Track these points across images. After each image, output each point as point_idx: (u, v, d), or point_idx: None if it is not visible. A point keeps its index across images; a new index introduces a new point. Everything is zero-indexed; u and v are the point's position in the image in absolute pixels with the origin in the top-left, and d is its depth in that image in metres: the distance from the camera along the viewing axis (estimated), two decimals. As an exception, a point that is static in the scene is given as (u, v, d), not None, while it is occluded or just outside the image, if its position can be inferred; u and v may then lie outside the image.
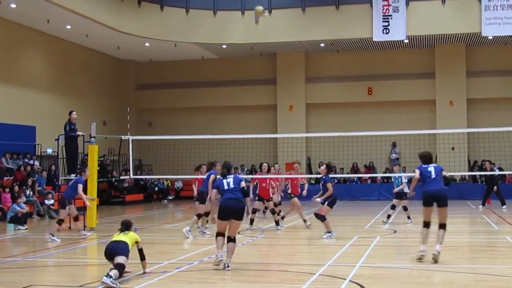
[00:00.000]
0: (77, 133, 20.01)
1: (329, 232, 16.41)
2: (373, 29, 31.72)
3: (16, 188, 23.51)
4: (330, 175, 16.90)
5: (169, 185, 36.54)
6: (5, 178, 25.25)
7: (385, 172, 33.71)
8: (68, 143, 20.09)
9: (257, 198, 19.24)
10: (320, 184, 16.79)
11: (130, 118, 31.89)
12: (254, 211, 18.71)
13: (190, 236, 16.66)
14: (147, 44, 34.09)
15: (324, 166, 17.22)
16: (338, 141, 29.96)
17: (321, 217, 16.55)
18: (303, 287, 9.95)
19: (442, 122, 34.38)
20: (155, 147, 31.29)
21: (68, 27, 30.17)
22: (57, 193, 23.10)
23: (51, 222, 22.30)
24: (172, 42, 33.50)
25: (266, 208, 21.13)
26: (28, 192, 24.32)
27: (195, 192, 18.60)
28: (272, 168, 20.37)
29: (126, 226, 11.27)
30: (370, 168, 35.46)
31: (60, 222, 17.15)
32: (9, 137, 27.62)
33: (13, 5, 26.55)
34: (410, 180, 18.30)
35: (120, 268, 10.42)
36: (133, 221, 11.58)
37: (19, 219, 20.29)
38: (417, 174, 12.78)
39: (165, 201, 35.08)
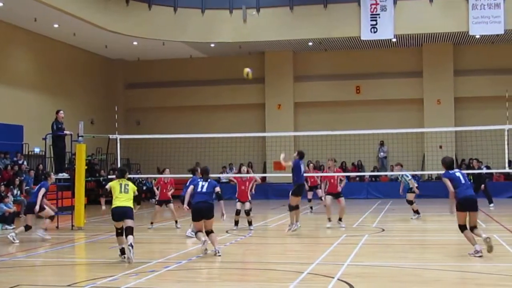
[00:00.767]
0: (65, 132, 19.95)
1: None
2: (361, 28, 31.78)
3: (3, 187, 23.37)
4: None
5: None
6: (-8, 177, 25.14)
7: (372, 171, 33.80)
8: (55, 142, 20.02)
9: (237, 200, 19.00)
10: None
11: (118, 117, 31.79)
12: (238, 212, 18.59)
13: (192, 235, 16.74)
14: (135, 43, 34.02)
15: (296, 153, 17.50)
16: (326, 139, 29.99)
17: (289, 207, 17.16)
18: (291, 286, 9.96)
19: (429, 120, 34.49)
20: (143, 146, 31.24)
21: (56, 26, 30.05)
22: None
23: (38, 222, 22.22)
24: (160, 41, 33.45)
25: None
26: (15, 191, 24.20)
27: (157, 195, 19.54)
28: (243, 169, 20.17)
29: (121, 173, 13.26)
30: (358, 167, 35.54)
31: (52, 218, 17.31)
32: (-4, 136, 27.50)
33: (0, 4, 26.43)
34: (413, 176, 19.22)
35: (132, 230, 12.50)
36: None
37: (7, 219, 20.21)
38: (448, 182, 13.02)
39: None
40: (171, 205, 19.46)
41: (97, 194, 32.06)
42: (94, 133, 27.30)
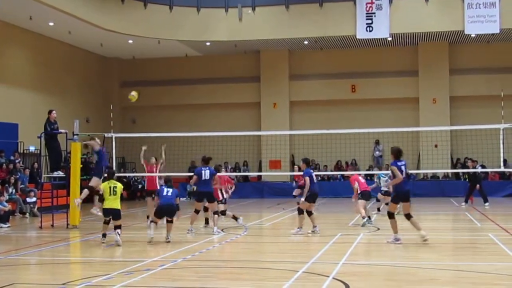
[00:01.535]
0: (60, 130, 19.89)
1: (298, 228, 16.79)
2: (357, 26, 31.78)
3: (-2, 186, 23.36)
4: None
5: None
6: (-13, 176, 25.08)
7: (368, 170, 33.81)
8: (49, 142, 19.94)
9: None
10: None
11: (114, 115, 31.66)
12: (223, 212, 18.66)
13: (220, 233, 16.87)
14: (130, 41, 33.98)
15: (302, 161, 17.42)
16: (322, 138, 30.03)
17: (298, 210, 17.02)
18: (286, 284, 9.95)
19: (425, 119, 34.54)
20: (138, 144, 31.06)
21: (51, 24, 29.99)
22: (39, 191, 23.05)
23: (33, 220, 22.22)
24: (155, 40, 33.42)
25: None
26: (10, 190, 24.14)
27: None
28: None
29: (111, 175, 15.64)
30: (353, 166, 35.53)
31: None
32: (-9, 134, 27.44)
33: (-5, 2, 26.39)
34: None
35: (119, 227, 15.04)
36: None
37: (1, 217, 20.16)
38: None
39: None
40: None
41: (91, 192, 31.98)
42: (90, 132, 27.20)
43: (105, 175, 16.92)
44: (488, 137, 26.43)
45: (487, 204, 25.99)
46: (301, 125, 35.63)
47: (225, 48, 35.68)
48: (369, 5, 31.50)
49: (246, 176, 35.94)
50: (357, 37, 32.11)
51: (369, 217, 18.73)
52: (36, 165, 27.57)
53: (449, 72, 35.45)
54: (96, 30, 31.20)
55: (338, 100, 36.55)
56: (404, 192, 14.61)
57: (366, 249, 14.32)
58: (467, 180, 29.80)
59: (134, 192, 34.77)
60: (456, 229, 19.88)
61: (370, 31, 31.67)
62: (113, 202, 15.16)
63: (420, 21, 31.98)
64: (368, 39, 32.75)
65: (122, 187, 15.67)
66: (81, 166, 20.81)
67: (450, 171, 33.80)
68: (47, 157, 20.34)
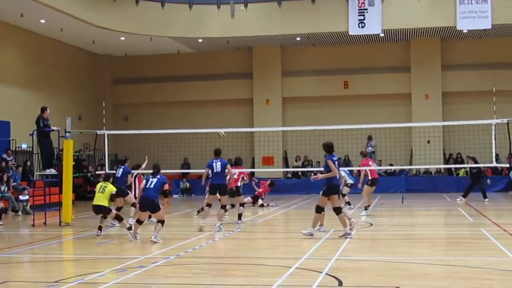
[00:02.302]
0: (52, 128, 19.84)
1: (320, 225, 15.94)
2: (349, 23, 31.78)
3: (-10, 184, 23.31)
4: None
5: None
6: (-21, 174, 25.01)
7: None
8: (42, 139, 19.88)
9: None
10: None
11: (106, 112, 31.65)
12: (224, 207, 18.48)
13: (221, 229, 16.68)
14: (122, 38, 33.91)
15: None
16: (315, 134, 29.99)
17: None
18: (280, 280, 9.96)
19: (417, 115, 34.59)
20: (131, 141, 31.14)
21: (43, 21, 29.89)
22: (32, 189, 23.01)
23: (26, 218, 22.18)
24: (147, 36, 33.36)
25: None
26: (2, 188, 24.10)
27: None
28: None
29: (106, 178, 16.75)
30: (346, 162, 35.52)
31: None
32: (-17, 132, 27.36)
33: (-14, -1, 26.29)
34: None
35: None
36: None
37: (-6, 215, 20.13)
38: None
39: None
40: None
41: (85, 191, 32.02)
42: (82, 129, 27.19)
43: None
44: (480, 133, 26.46)
45: (486, 200, 26.27)
46: (294, 122, 35.64)
47: (218, 44, 35.66)
48: (361, 1, 31.50)
49: (239, 173, 35.88)
50: (350, 33, 32.12)
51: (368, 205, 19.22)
52: (28, 163, 27.52)
53: (441, 68, 35.51)
54: (88, 27, 31.10)
55: (331, 96, 36.56)
56: (336, 186, 15.12)
57: (359, 245, 14.33)
58: (467, 175, 29.95)
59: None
60: (448, 224, 19.92)
61: (362, 27, 31.68)
62: (101, 199, 16.17)
63: (412, 17, 32.02)
64: (360, 35, 32.75)
65: (114, 190, 16.47)
66: (73, 163, 20.73)
67: (442, 166, 33.87)
68: (40, 155, 20.29)
